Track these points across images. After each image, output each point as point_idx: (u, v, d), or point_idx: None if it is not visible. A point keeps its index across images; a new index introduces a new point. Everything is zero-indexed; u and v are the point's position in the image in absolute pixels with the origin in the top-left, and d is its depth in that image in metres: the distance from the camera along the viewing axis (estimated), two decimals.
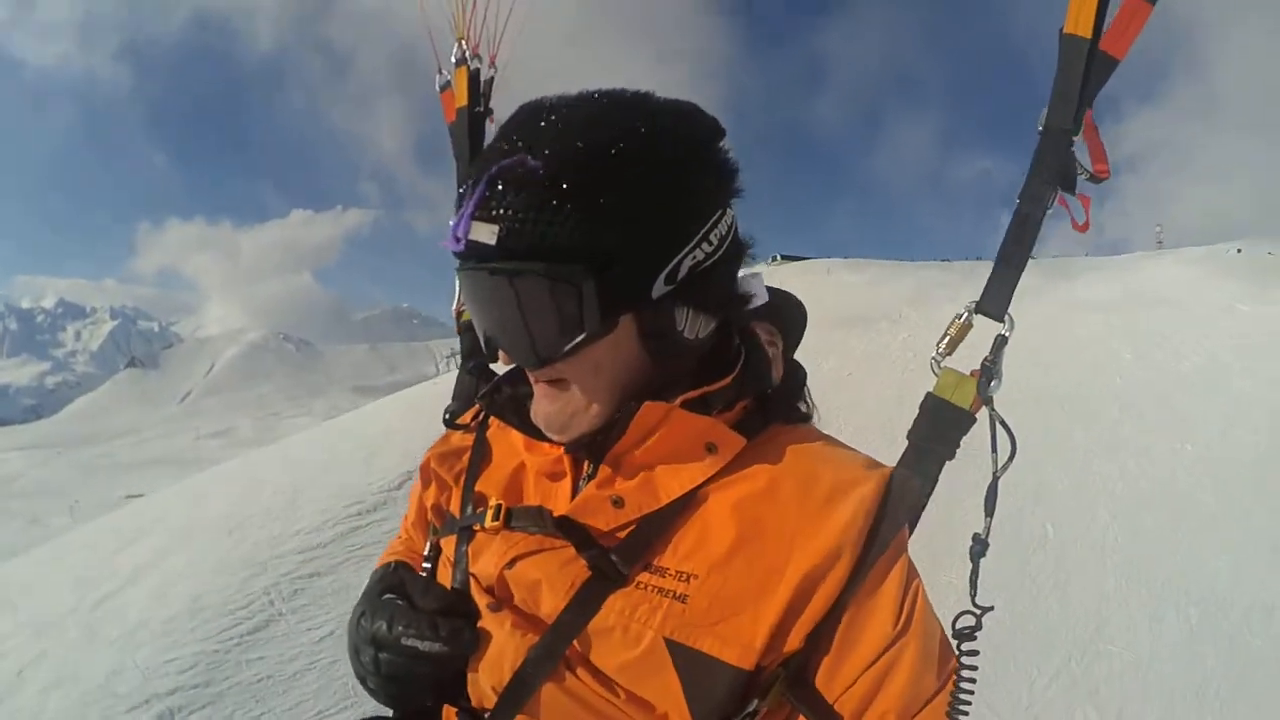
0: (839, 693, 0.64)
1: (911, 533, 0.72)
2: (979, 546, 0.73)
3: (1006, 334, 0.74)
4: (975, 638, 0.66)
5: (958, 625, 0.67)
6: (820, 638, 0.65)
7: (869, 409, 6.57)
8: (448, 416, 0.92)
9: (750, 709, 0.65)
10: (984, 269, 0.80)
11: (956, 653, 0.66)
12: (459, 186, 0.82)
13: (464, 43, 1.08)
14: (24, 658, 4.02)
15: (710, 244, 0.67)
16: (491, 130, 1.06)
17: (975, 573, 0.72)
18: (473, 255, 0.64)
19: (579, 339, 0.64)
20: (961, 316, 0.76)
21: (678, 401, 0.69)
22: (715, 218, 0.67)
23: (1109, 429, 6.09)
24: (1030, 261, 0.77)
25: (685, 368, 0.72)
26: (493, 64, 1.10)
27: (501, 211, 0.61)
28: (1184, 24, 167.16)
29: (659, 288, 0.65)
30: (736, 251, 0.72)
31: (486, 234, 0.61)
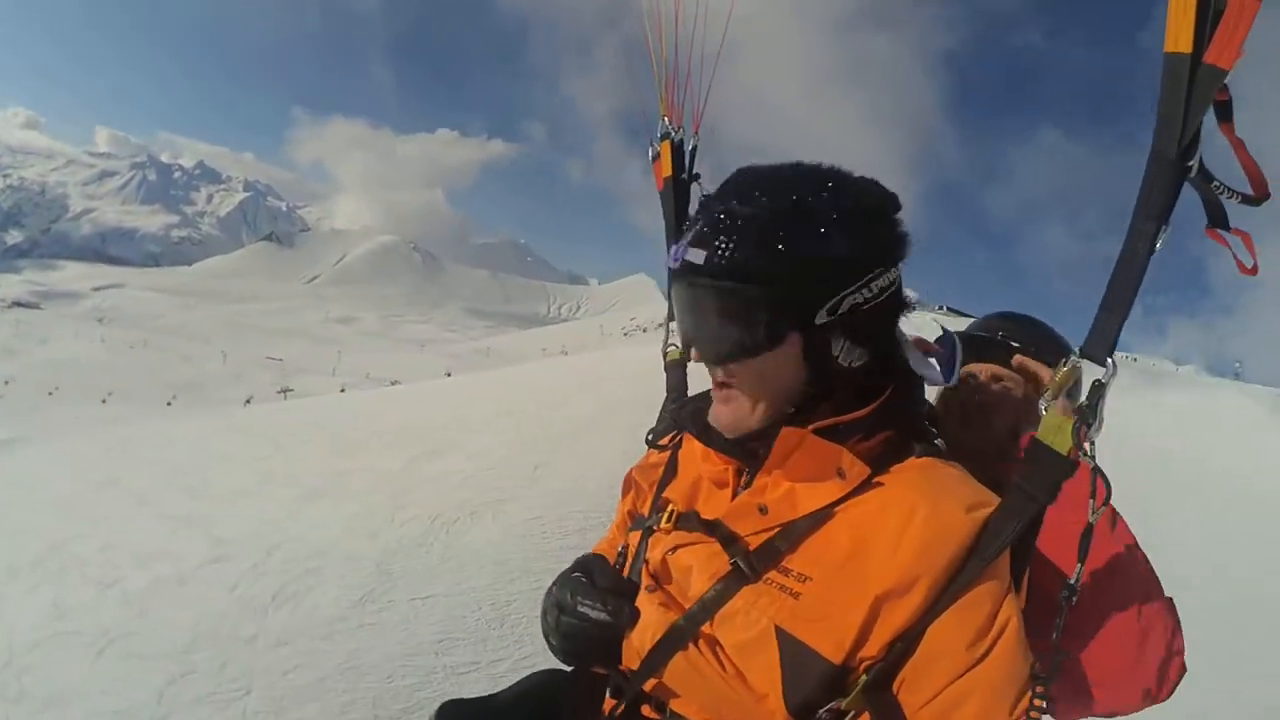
0: (917, 706, 0.72)
1: (1023, 570, 0.76)
2: (1067, 592, 0.75)
3: (1104, 380, 0.71)
4: (1048, 680, 0.70)
5: (1034, 668, 0.72)
6: (899, 652, 0.73)
7: None
8: (650, 438, 1.08)
9: (833, 705, 0.74)
10: None
11: (1030, 692, 0.70)
12: (673, 238, 1.04)
13: (667, 119, 1.19)
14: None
15: (870, 291, 0.80)
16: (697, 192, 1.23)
17: (1061, 617, 0.75)
18: (685, 272, 0.81)
19: (750, 346, 0.79)
20: (1065, 363, 0.75)
21: (811, 428, 0.81)
22: (877, 272, 0.80)
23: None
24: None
25: (833, 392, 0.83)
26: (696, 133, 1.23)
27: (708, 241, 0.78)
28: None
29: (822, 316, 0.79)
30: (897, 304, 0.84)
31: (696, 256, 0.79)
